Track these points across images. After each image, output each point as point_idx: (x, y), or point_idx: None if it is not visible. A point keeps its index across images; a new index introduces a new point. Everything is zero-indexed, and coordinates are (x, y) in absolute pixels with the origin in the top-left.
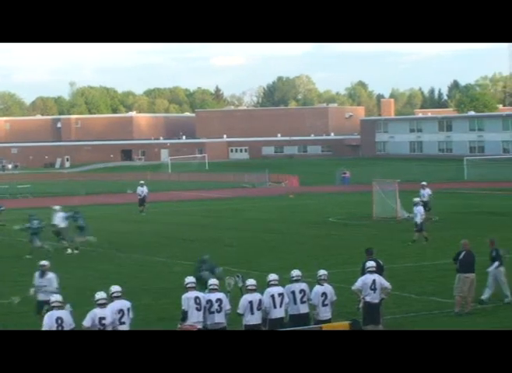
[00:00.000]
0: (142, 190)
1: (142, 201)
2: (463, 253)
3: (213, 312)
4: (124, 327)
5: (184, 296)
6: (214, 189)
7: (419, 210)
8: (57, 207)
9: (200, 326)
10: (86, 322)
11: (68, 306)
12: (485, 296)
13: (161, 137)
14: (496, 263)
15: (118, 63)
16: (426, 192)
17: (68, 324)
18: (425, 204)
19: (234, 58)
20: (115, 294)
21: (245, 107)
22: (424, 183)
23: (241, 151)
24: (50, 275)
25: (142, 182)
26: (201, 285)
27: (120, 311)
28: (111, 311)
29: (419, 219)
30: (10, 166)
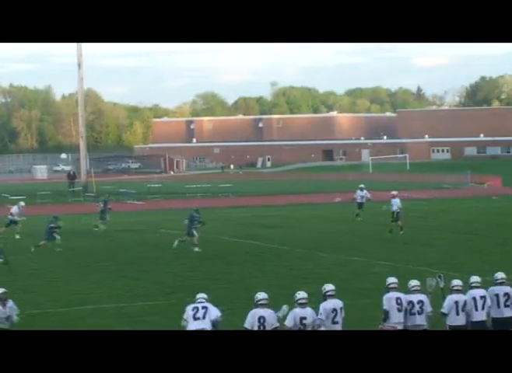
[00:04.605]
0: (362, 195)
1: (361, 205)
2: None
3: (414, 314)
4: (337, 327)
5: (386, 296)
6: (415, 190)
7: None
8: None
9: (400, 327)
10: (288, 323)
11: (285, 307)
12: None
13: (362, 137)
14: None
15: (320, 63)
16: None
17: (270, 324)
18: None
19: (437, 58)
20: (329, 293)
21: (447, 107)
22: None
23: (443, 151)
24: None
25: (361, 185)
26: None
27: (334, 310)
28: (324, 310)
29: None
30: (232, 166)
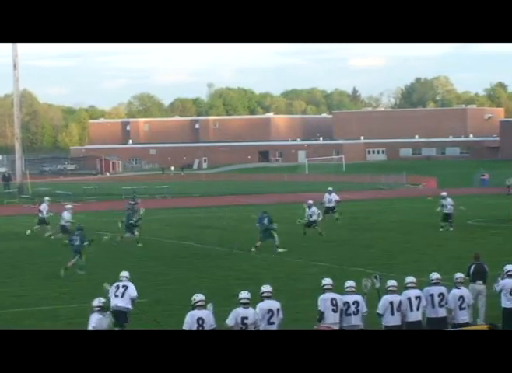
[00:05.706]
0: (330, 199)
1: (332, 209)
2: None
3: (350, 314)
4: (273, 327)
5: (321, 297)
6: (351, 191)
7: None
8: None
9: (336, 328)
10: (229, 321)
11: (209, 305)
12: None
13: (298, 139)
14: None
15: (256, 64)
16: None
17: (209, 324)
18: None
19: (372, 59)
20: (265, 294)
21: (383, 108)
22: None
23: (379, 152)
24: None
25: (330, 188)
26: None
27: (270, 311)
28: (260, 310)
29: None
30: (172, 168)
